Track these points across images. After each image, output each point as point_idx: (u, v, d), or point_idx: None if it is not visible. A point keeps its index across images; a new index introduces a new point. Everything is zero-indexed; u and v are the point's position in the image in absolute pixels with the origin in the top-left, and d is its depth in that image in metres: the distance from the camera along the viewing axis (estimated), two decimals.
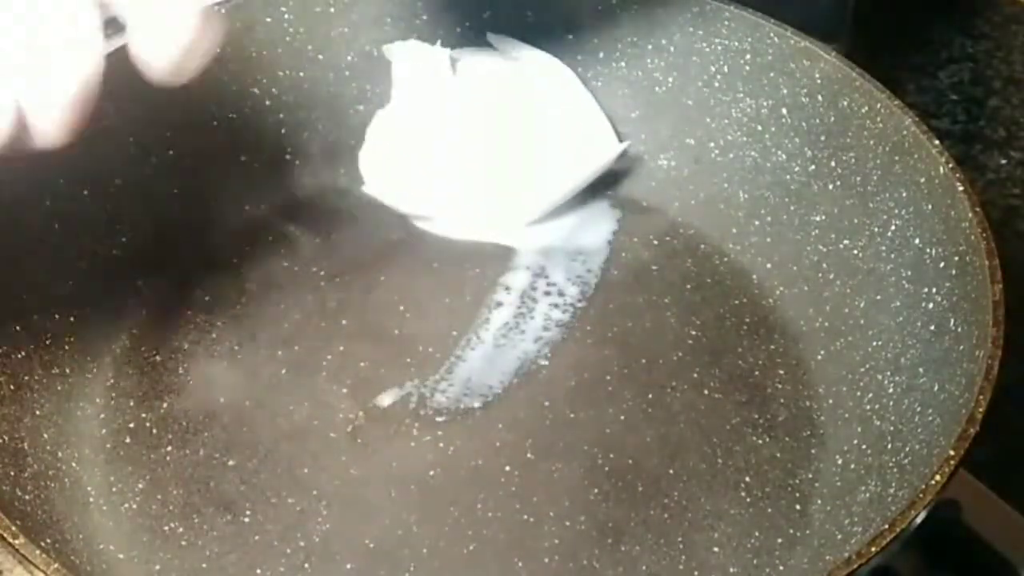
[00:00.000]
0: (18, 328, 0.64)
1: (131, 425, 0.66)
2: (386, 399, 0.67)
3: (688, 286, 0.72)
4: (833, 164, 0.70)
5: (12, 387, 0.62)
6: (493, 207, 0.75)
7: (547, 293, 0.72)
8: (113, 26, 0.50)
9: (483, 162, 0.75)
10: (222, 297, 0.72)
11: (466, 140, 0.75)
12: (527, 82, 0.76)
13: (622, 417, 0.66)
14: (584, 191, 0.76)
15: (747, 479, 0.63)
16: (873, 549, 0.49)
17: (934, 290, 0.63)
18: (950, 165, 0.63)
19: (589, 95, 0.76)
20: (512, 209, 0.75)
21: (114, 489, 0.64)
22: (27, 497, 0.58)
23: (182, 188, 0.74)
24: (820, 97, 0.70)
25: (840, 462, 0.63)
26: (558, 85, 0.76)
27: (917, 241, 0.65)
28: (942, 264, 0.62)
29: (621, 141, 0.75)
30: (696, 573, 0.60)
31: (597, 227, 0.75)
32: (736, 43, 0.73)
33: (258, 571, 0.60)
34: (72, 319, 0.68)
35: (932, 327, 0.62)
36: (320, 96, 0.76)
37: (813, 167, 0.71)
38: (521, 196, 0.75)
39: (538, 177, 0.75)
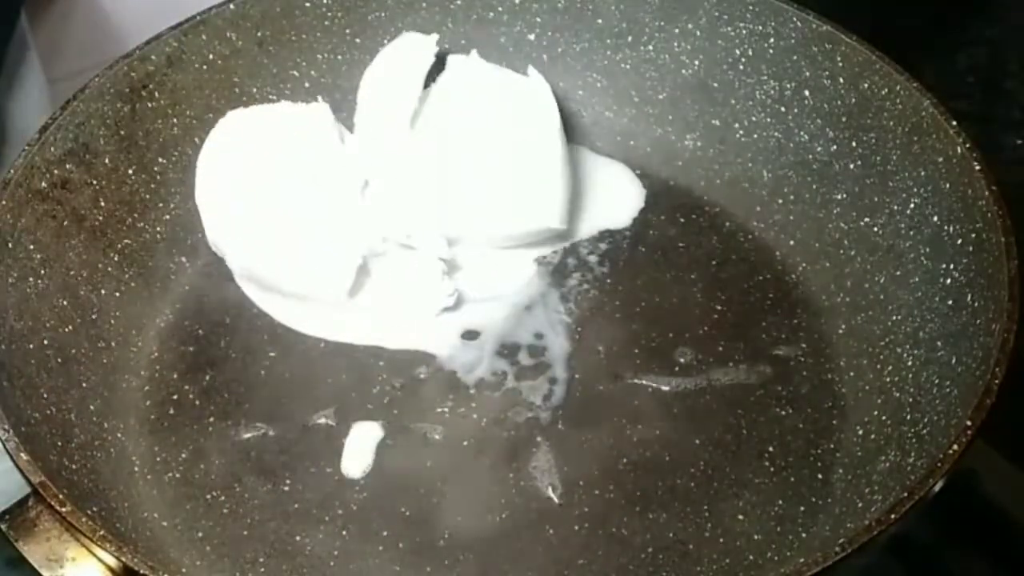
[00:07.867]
0: (65, 303, 0.66)
1: (175, 397, 0.68)
2: (422, 371, 0.68)
3: (713, 262, 0.73)
4: (854, 144, 0.71)
5: (59, 360, 0.64)
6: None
7: (576, 269, 0.73)
8: None
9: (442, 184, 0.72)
10: None
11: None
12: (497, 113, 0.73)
13: (649, 389, 0.67)
14: (611, 173, 0.78)
15: (770, 449, 0.64)
16: (892, 517, 0.51)
17: (952, 266, 0.64)
18: (967, 145, 0.64)
19: (560, 153, 0.72)
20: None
21: (158, 459, 0.65)
22: (74, 467, 0.60)
23: None
24: (842, 79, 0.71)
25: (861, 432, 0.64)
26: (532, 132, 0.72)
27: (935, 219, 0.66)
28: (959, 241, 0.64)
29: (562, 224, 0.72)
30: (721, 540, 0.61)
31: (625, 206, 0.76)
32: (760, 27, 0.74)
33: (297, 538, 0.62)
34: (117, 294, 0.69)
35: (950, 302, 0.63)
36: (358, 79, 0.76)
37: (835, 147, 0.72)
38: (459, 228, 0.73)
39: (479, 217, 0.72)
